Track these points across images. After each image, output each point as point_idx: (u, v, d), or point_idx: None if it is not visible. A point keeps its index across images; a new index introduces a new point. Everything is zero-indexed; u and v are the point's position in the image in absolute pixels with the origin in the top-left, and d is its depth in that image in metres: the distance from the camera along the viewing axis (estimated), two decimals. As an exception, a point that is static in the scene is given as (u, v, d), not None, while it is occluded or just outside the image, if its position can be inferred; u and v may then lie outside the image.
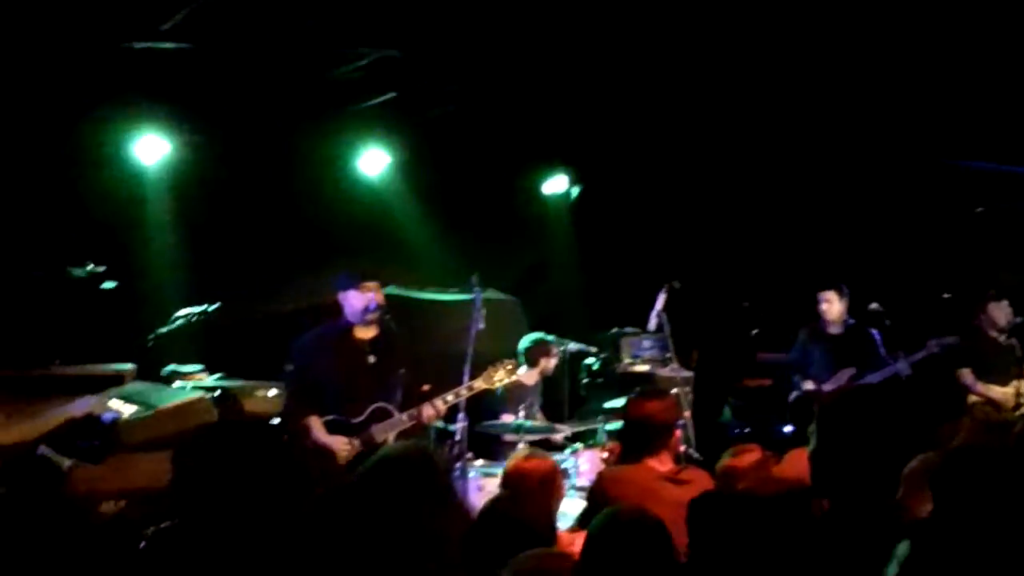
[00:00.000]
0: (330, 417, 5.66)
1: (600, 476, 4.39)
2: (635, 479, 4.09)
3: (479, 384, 5.97)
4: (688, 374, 7.77)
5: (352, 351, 5.81)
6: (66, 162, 7.11)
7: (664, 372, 7.75)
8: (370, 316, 5.77)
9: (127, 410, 5.24)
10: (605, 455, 6.12)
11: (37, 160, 6.98)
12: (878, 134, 7.87)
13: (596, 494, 4.19)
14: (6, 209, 6.97)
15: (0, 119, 6.72)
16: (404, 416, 5.71)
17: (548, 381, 7.63)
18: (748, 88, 7.26)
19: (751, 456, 4.03)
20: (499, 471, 6.27)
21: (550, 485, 4.31)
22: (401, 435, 5.72)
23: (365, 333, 5.86)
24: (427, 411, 5.70)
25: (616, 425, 6.83)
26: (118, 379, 6.15)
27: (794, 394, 7.47)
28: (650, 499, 3.62)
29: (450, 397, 5.83)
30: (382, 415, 5.72)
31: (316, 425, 5.63)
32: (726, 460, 4.07)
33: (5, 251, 6.96)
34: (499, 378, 6.02)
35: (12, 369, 6.20)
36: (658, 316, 7.28)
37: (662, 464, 4.19)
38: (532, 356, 7.39)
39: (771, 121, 7.85)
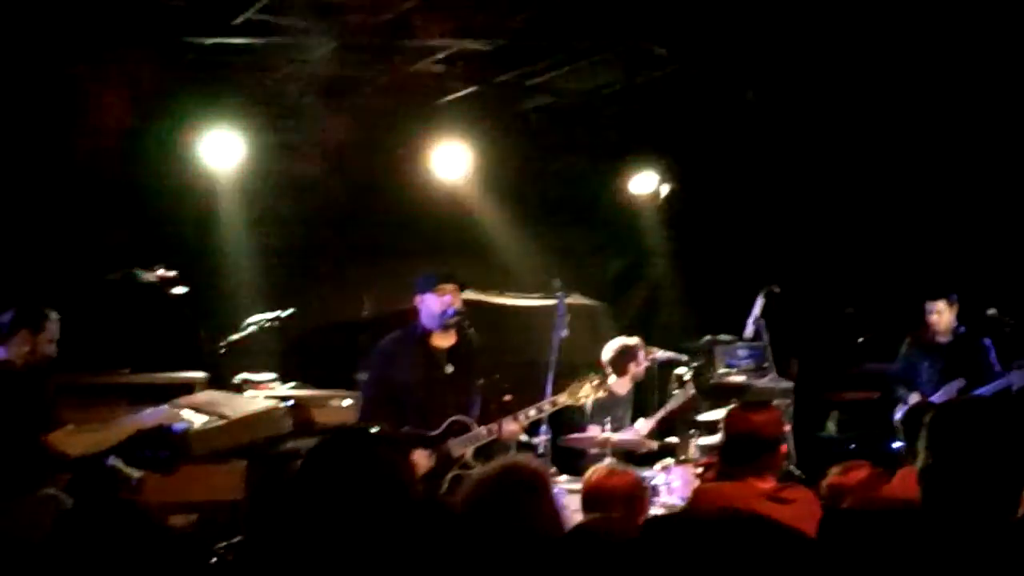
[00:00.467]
0: (406, 429, 5.74)
1: (696, 494, 4.37)
2: (735, 497, 4.04)
3: (562, 400, 5.99)
4: (787, 385, 7.68)
5: (429, 359, 5.88)
6: (135, 161, 7.29)
7: (761, 383, 7.67)
8: (448, 321, 5.83)
9: (198, 420, 5.35)
10: (699, 470, 6.09)
11: (106, 160, 7.18)
12: (995, 131, 7.69)
13: (691, 513, 4.17)
14: (76, 210, 7.19)
15: (68, 117, 6.94)
16: (483, 430, 5.75)
17: (636, 392, 7.61)
18: (859, 79, 7.15)
19: (860, 473, 3.99)
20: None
21: (635, 503, 4.31)
22: (480, 451, 5.77)
23: (443, 341, 5.92)
24: (508, 426, 5.74)
25: (708, 439, 6.80)
26: (188, 388, 6.33)
27: (901, 408, 7.35)
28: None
29: (532, 412, 5.87)
30: (460, 428, 5.77)
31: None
32: (833, 477, 4.03)
33: (75, 254, 7.18)
34: (584, 394, 6.04)
35: (80, 375, 6.41)
36: (755, 323, 7.22)
37: (764, 482, 4.14)
38: (619, 364, 7.39)
39: (883, 115, 7.71)
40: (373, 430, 3.04)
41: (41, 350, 5.37)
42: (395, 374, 5.87)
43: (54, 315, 5.45)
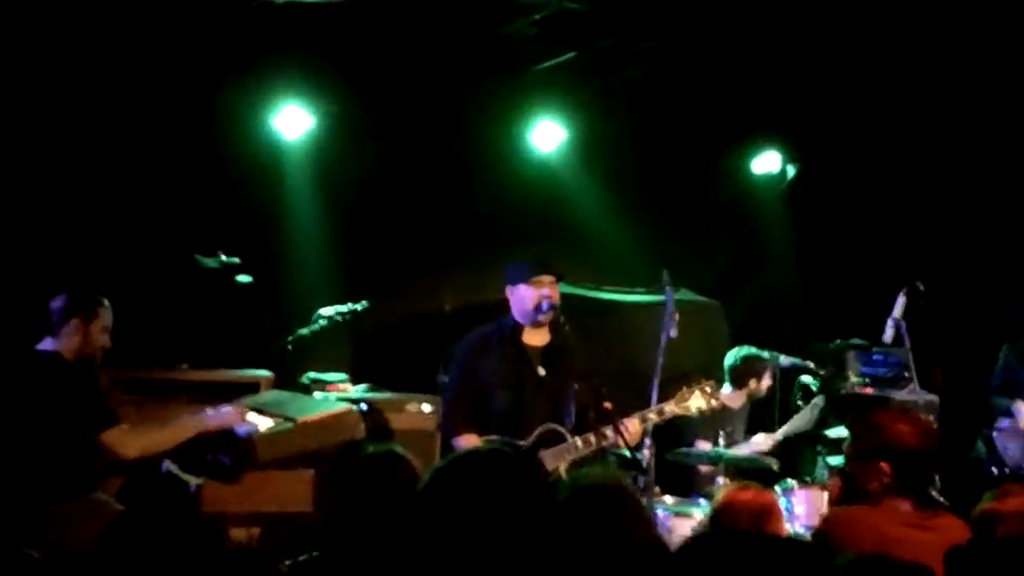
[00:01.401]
0: (493, 438, 5.76)
1: (827, 519, 4.34)
2: (873, 523, 4.02)
3: (669, 408, 5.97)
4: (932, 398, 7.54)
5: (520, 359, 5.91)
6: (198, 138, 7.42)
7: (901, 395, 7.54)
8: (543, 317, 5.84)
9: (263, 423, 5.44)
10: (827, 495, 6.04)
11: (166, 136, 7.32)
12: None
13: (822, 538, 4.14)
14: (131, 190, 7.34)
15: (126, 90, 7.10)
16: (578, 441, 5.75)
17: (755, 404, 7.56)
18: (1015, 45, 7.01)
19: (1019, 499, 3.93)
20: (692, 509, 6.33)
21: (769, 523, 4.29)
22: (574, 464, 5.77)
23: (536, 339, 5.94)
24: (608, 439, 5.71)
25: (838, 458, 6.71)
26: (253, 387, 6.42)
27: (1003, 421, 7.35)
28: (893, 548, 3.56)
29: (635, 422, 5.84)
30: (552, 439, 5.78)
31: (470, 445, 5.72)
32: (987, 503, 3.98)
33: (130, 237, 7.33)
34: (696, 403, 6.01)
35: (134, 371, 6.56)
36: (895, 325, 7.10)
37: (906, 505, 4.10)
38: (741, 375, 7.37)
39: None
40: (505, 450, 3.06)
41: (94, 340, 5.45)
42: (481, 375, 5.91)
43: (107, 302, 5.54)
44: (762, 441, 7.21)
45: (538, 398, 5.88)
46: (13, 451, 5.24)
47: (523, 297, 5.88)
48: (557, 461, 5.74)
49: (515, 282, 5.92)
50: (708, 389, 6.04)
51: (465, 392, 5.93)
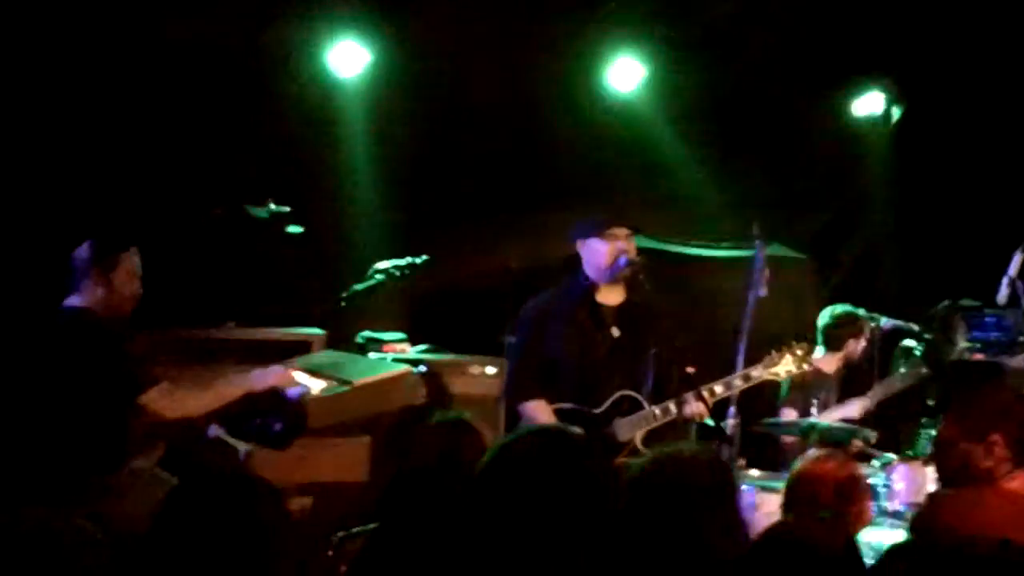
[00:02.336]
0: (563, 406, 5.81)
1: (933, 499, 4.32)
2: (986, 504, 3.98)
3: (758, 373, 5.98)
4: (1050, 365, 7.50)
5: (593, 320, 5.93)
6: (245, 78, 7.50)
7: (1016, 362, 7.50)
8: (620, 273, 5.85)
9: (316, 385, 5.52)
10: (932, 470, 6.02)
11: (211, 77, 7.40)
12: None
13: (926, 523, 4.12)
14: (177, 133, 7.45)
15: (168, 28, 7.18)
16: (657, 410, 5.79)
17: (851, 369, 7.55)
18: None
19: None
20: (780, 484, 6.35)
21: (850, 498, 4.30)
22: (652, 434, 5.81)
23: (611, 297, 5.96)
24: (690, 407, 5.73)
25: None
26: (305, 346, 6.52)
27: None
28: (1012, 531, 3.54)
29: (719, 388, 5.85)
30: (630, 407, 5.83)
31: (544, 414, 5.78)
32: None
33: (171, 184, 7.44)
34: (785, 367, 6.03)
35: (178, 330, 6.67)
36: (1011, 284, 7.07)
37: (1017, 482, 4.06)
38: (836, 336, 7.34)
39: None
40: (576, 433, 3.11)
41: (120, 290, 5.38)
42: (550, 338, 5.93)
43: (127, 246, 5.46)
44: (855, 408, 7.17)
45: (613, 362, 5.90)
46: (46, 421, 5.28)
47: (596, 251, 5.88)
48: (633, 431, 5.79)
49: (586, 235, 5.91)
50: (800, 352, 6.04)
51: (533, 357, 5.95)
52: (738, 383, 5.94)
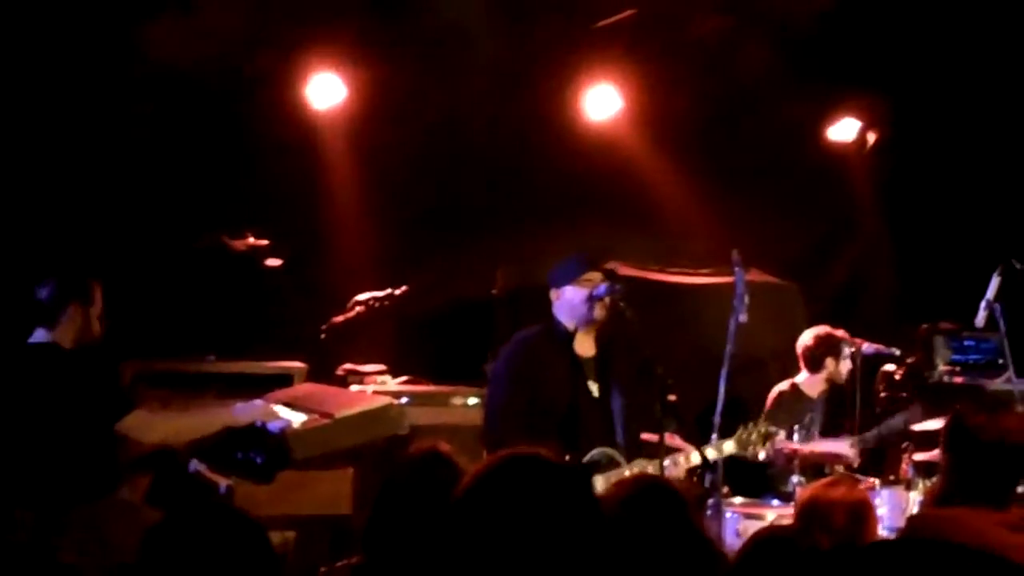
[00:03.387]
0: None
1: (916, 521, 4.38)
2: (969, 526, 4.02)
3: (729, 448, 6.04)
4: (1030, 388, 7.56)
5: (572, 374, 5.92)
6: (224, 112, 7.56)
7: (996, 384, 7.58)
8: (599, 308, 5.83)
9: (297, 418, 5.55)
10: (915, 494, 6.09)
11: (190, 111, 7.44)
12: None
13: (907, 545, 4.18)
14: (151, 166, 7.47)
15: (144, 62, 7.21)
16: (634, 469, 5.72)
17: (834, 393, 7.60)
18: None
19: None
20: (764, 511, 6.42)
21: (862, 525, 4.34)
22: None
23: (586, 348, 5.94)
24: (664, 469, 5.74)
25: (925, 454, 6.75)
26: (286, 379, 6.56)
27: None
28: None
29: (691, 454, 5.85)
30: (607, 463, 5.82)
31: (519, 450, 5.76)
32: None
33: (151, 218, 7.46)
34: (753, 445, 6.08)
35: (157, 362, 6.70)
36: (989, 307, 7.11)
37: (1006, 508, 4.10)
38: (815, 357, 7.39)
39: None
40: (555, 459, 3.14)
41: (93, 326, 5.53)
42: (539, 385, 5.86)
43: (98, 281, 5.60)
44: (844, 447, 7.22)
45: (592, 417, 5.89)
46: (28, 452, 5.34)
47: (571, 300, 5.87)
48: (609, 483, 5.78)
49: (560, 284, 5.90)
50: (762, 430, 6.10)
51: (519, 400, 5.86)
52: (711, 453, 5.95)
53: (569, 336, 5.91)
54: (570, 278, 5.87)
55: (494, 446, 5.86)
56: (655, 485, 3.62)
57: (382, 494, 3.90)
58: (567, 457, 5.70)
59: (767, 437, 6.11)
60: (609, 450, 5.84)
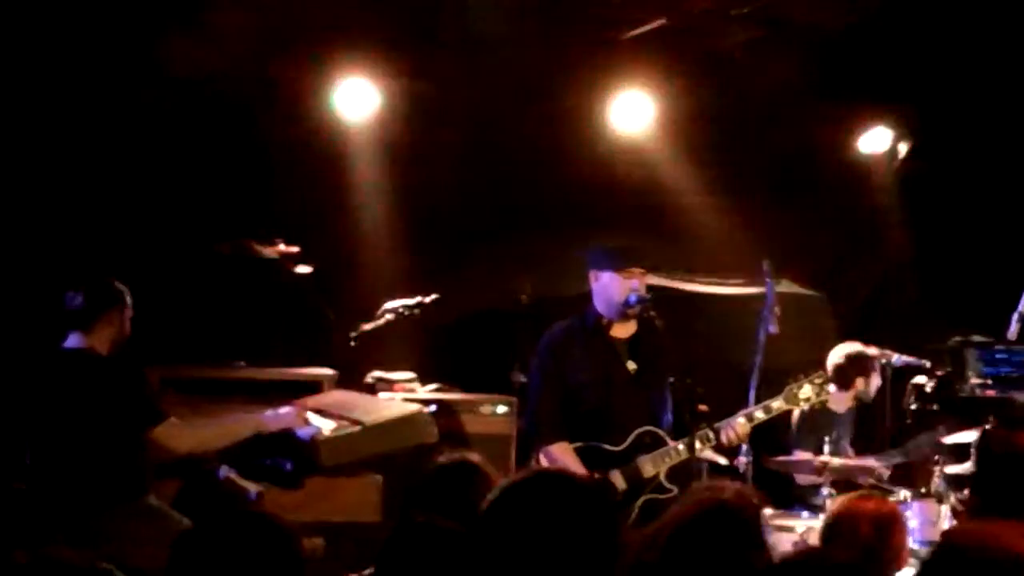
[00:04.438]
0: (582, 444, 5.83)
1: (948, 536, 4.35)
2: (1002, 542, 4.00)
3: (777, 405, 5.98)
4: (1062, 400, 7.51)
5: (608, 355, 5.94)
6: (254, 118, 7.57)
7: (1027, 397, 7.54)
8: (631, 310, 5.87)
9: (326, 425, 5.57)
10: (947, 507, 6.05)
11: (221, 116, 7.47)
12: None
13: (942, 559, 4.15)
14: (179, 170, 7.50)
15: (174, 67, 7.24)
16: (680, 445, 5.79)
17: (863, 406, 7.57)
18: None
19: None
20: (794, 523, 6.38)
21: (891, 537, 4.31)
22: (676, 468, 5.81)
23: (622, 331, 5.97)
24: (711, 439, 5.74)
25: (957, 467, 6.72)
26: (315, 386, 6.57)
27: None
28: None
29: (740, 420, 5.84)
30: (651, 442, 5.84)
31: (568, 457, 5.77)
32: None
33: (179, 223, 7.49)
34: (805, 396, 6.03)
35: (186, 368, 6.72)
36: (1021, 320, 7.09)
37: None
38: (845, 375, 7.36)
39: None
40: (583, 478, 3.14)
41: (124, 330, 5.62)
42: (568, 375, 5.91)
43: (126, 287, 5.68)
44: (873, 463, 7.20)
45: (630, 396, 5.89)
46: (60, 456, 5.41)
47: (609, 286, 5.88)
48: (656, 467, 5.78)
49: (601, 268, 5.91)
50: (818, 380, 6.04)
51: (552, 394, 5.91)
52: (759, 415, 5.93)
53: (603, 322, 5.93)
54: (612, 265, 5.89)
55: (535, 446, 5.92)
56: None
57: (408, 504, 3.89)
58: (612, 447, 5.73)
59: (821, 388, 6.05)
60: (653, 428, 5.83)
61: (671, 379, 5.87)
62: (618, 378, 5.90)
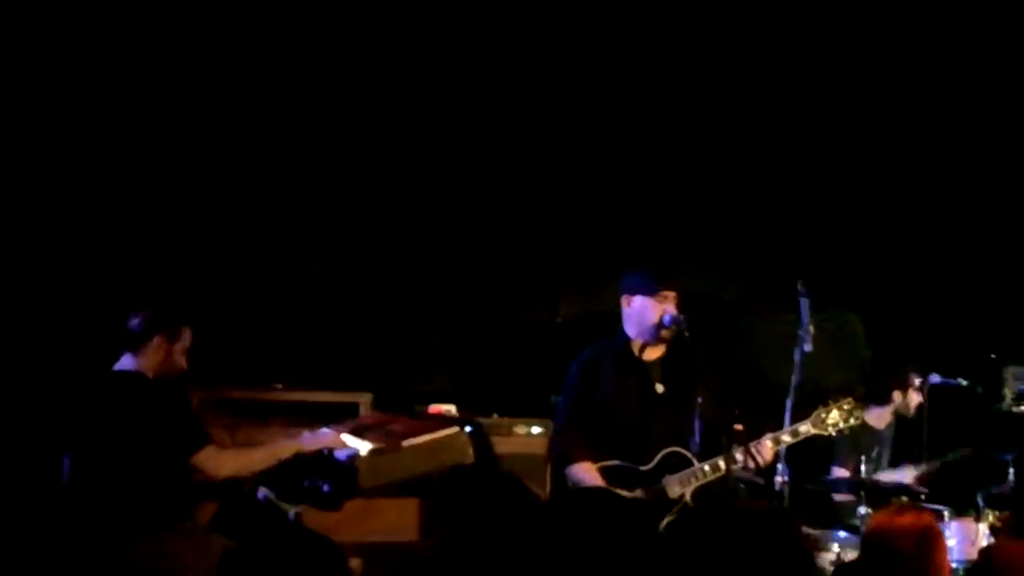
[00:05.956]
0: (611, 463, 5.84)
1: (990, 553, 4.34)
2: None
3: (805, 429, 5.97)
4: (1101, 419, 7.48)
5: (637, 376, 5.95)
6: (288, 137, 7.59)
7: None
8: (666, 331, 5.88)
9: (364, 446, 5.59)
10: (985, 526, 6.02)
11: (248, 137, 7.52)
12: None
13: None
14: (216, 192, 7.53)
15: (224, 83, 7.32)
16: (706, 466, 5.80)
17: (902, 425, 7.54)
18: None
19: None
20: (832, 543, 6.36)
21: (930, 551, 4.30)
22: (702, 490, 5.82)
23: (652, 352, 5.98)
24: (738, 460, 5.72)
25: (1000, 486, 6.69)
26: (352, 408, 6.60)
27: None
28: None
29: (769, 443, 5.85)
30: (678, 462, 5.84)
31: (590, 476, 5.79)
32: None
33: (216, 244, 7.53)
34: (833, 422, 6.00)
35: (225, 390, 6.77)
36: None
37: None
38: (880, 390, 7.33)
39: None
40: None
41: (175, 361, 5.63)
42: (597, 395, 5.94)
43: (190, 319, 5.70)
44: (909, 475, 7.18)
45: (659, 417, 5.90)
46: (103, 477, 5.42)
47: (643, 310, 5.90)
48: (683, 487, 5.78)
49: (634, 292, 5.93)
50: (847, 406, 6.02)
51: (580, 414, 5.96)
52: (786, 439, 5.93)
53: (633, 343, 5.95)
54: (645, 290, 5.90)
55: (558, 466, 5.95)
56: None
57: (450, 523, 3.90)
58: (639, 466, 5.74)
59: (850, 413, 6.04)
60: (679, 449, 5.83)
61: (699, 399, 5.85)
62: (647, 400, 5.91)
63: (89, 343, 6.30)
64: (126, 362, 5.57)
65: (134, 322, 5.58)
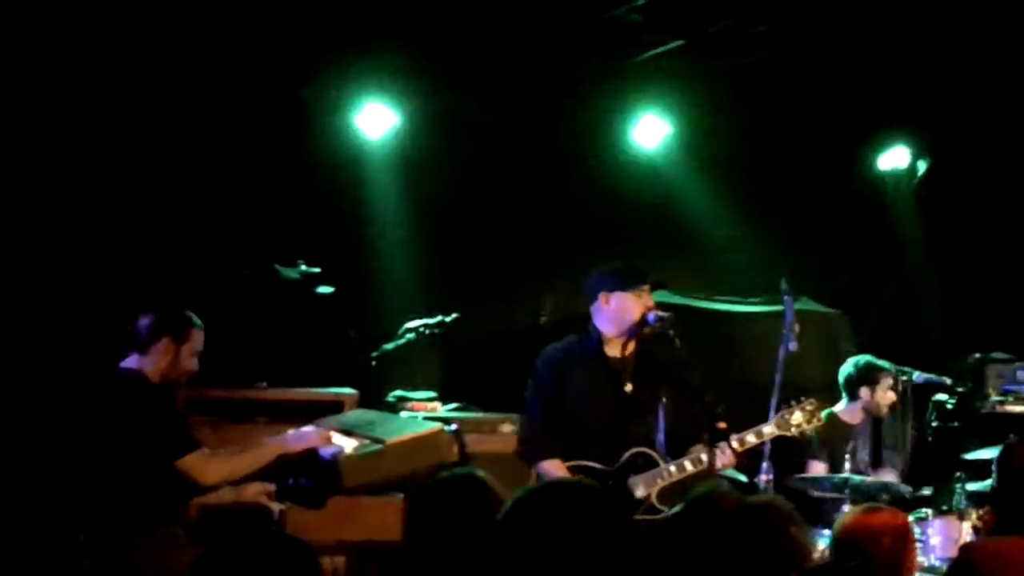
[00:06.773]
0: (578, 463, 5.79)
1: (968, 551, 4.34)
2: (1019, 558, 4.00)
3: (769, 429, 5.95)
4: (1083, 418, 7.50)
5: (606, 376, 5.91)
6: (275, 139, 7.61)
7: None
8: (649, 329, 5.84)
9: (348, 444, 5.55)
10: (968, 524, 6.02)
11: (241, 138, 7.51)
12: None
13: (959, 574, 4.15)
14: (207, 193, 7.53)
15: (195, 91, 7.30)
16: (672, 467, 5.76)
17: (878, 422, 7.54)
18: None
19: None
20: (816, 541, 6.35)
21: (903, 551, 4.29)
22: (667, 491, 5.74)
23: (621, 351, 5.92)
24: (703, 462, 5.68)
25: (982, 484, 6.69)
26: (336, 406, 6.57)
27: None
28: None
29: (735, 444, 5.79)
30: (645, 463, 5.81)
31: (558, 471, 5.76)
32: None
33: (202, 246, 7.52)
34: (796, 422, 5.99)
35: (209, 390, 6.74)
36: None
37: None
38: (851, 385, 7.34)
39: None
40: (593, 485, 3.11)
41: (182, 364, 5.56)
42: (566, 395, 5.91)
43: (199, 323, 5.64)
44: (891, 476, 7.19)
45: (626, 417, 5.85)
46: (90, 474, 5.37)
47: (623, 307, 5.85)
48: (648, 488, 5.75)
49: (612, 289, 5.88)
50: (809, 407, 6.01)
51: (548, 413, 5.91)
52: (751, 439, 5.88)
53: (599, 341, 5.91)
54: (624, 286, 5.86)
55: (528, 463, 5.92)
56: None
57: (418, 519, 3.89)
58: (606, 467, 5.72)
59: (812, 414, 6.01)
60: (646, 449, 5.81)
61: (664, 400, 5.81)
62: (615, 399, 5.86)
63: (94, 342, 6.28)
64: (131, 361, 5.52)
65: (143, 322, 5.51)
